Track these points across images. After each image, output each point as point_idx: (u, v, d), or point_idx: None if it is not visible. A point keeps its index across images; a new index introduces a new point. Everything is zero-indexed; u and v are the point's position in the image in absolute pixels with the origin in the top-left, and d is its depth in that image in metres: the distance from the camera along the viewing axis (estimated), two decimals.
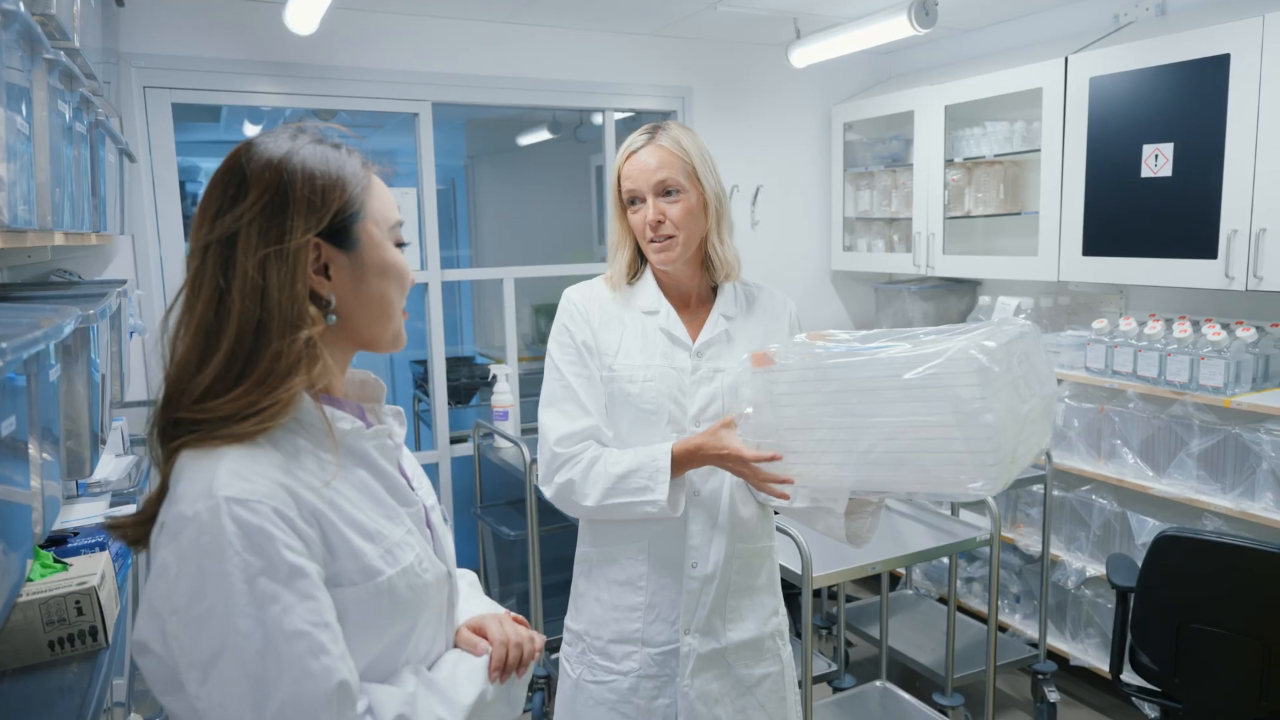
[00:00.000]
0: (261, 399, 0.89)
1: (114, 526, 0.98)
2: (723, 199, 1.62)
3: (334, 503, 0.92)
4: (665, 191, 1.57)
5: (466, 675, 1.02)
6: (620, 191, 1.61)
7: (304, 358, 0.91)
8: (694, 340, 1.63)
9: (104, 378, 1.85)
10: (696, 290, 1.67)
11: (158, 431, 0.93)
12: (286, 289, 0.91)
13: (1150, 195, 2.85)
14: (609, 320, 1.65)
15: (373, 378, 1.12)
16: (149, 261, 3.12)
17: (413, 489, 1.06)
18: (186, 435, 0.90)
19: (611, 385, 1.61)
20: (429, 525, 1.07)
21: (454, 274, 3.67)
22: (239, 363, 0.90)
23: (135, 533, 0.96)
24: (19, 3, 1.05)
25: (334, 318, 0.97)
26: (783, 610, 1.74)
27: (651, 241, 1.59)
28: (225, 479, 0.85)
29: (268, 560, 0.84)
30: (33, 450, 1.14)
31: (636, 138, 1.60)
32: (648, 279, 1.66)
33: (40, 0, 1.54)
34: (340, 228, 0.95)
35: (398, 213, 1.04)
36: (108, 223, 2.35)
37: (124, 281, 2.34)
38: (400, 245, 1.03)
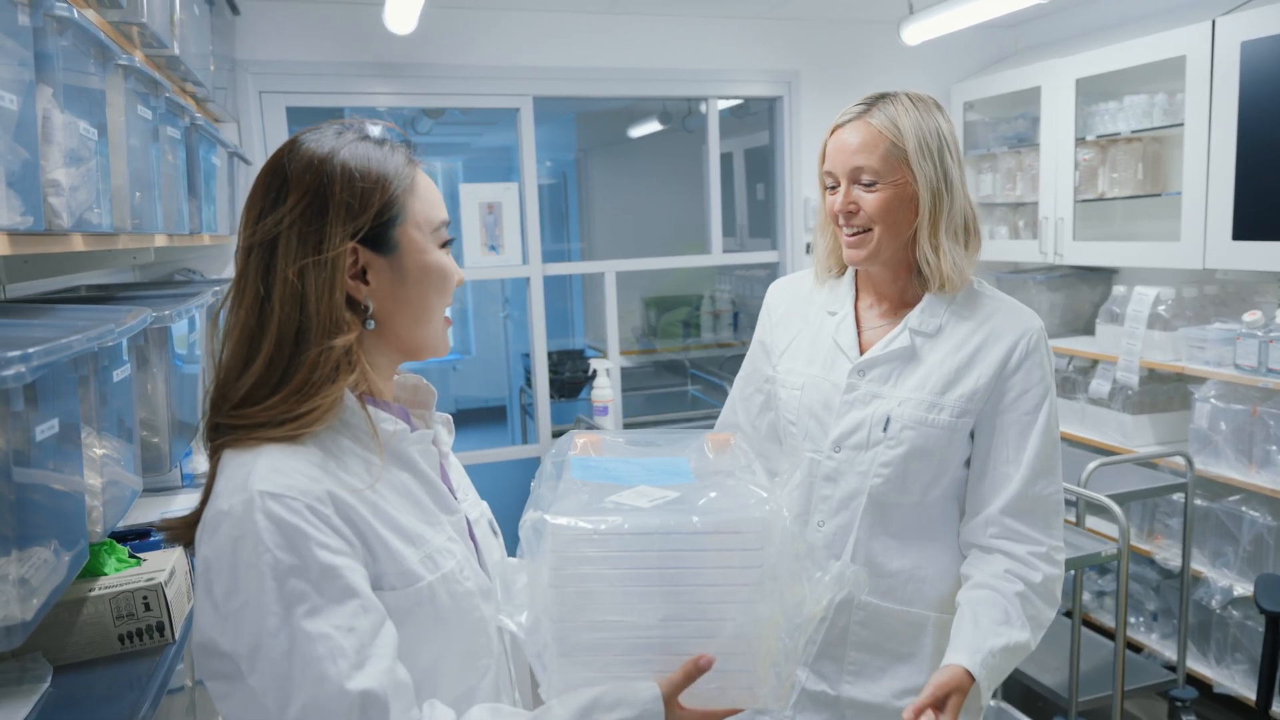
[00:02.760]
0: (297, 406, 0.88)
1: (167, 528, 0.99)
2: (944, 195, 1.32)
3: (374, 504, 0.90)
4: (862, 179, 1.33)
5: (546, 715, 0.90)
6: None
7: (341, 365, 0.90)
8: (863, 353, 1.42)
9: (205, 371, 1.91)
10: (899, 294, 1.42)
11: (206, 433, 0.93)
12: (325, 296, 0.89)
13: None
14: (792, 316, 1.53)
15: (424, 383, 1.09)
16: None
17: (456, 498, 1.03)
18: (228, 435, 0.90)
19: (772, 386, 1.52)
20: (472, 537, 1.03)
21: (555, 268, 3.67)
22: (278, 370, 0.89)
23: (185, 534, 0.96)
24: (73, 9, 1.07)
25: (373, 323, 0.94)
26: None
27: (843, 230, 1.38)
28: (262, 473, 0.84)
29: (300, 558, 0.82)
30: (95, 447, 1.16)
31: (849, 109, 1.37)
32: (849, 275, 1.48)
33: (129, 8, 1.59)
34: (379, 232, 0.93)
35: (443, 211, 1.00)
36: (219, 224, 2.45)
37: (228, 280, 2.42)
38: (446, 244, 1.00)
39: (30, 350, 0.84)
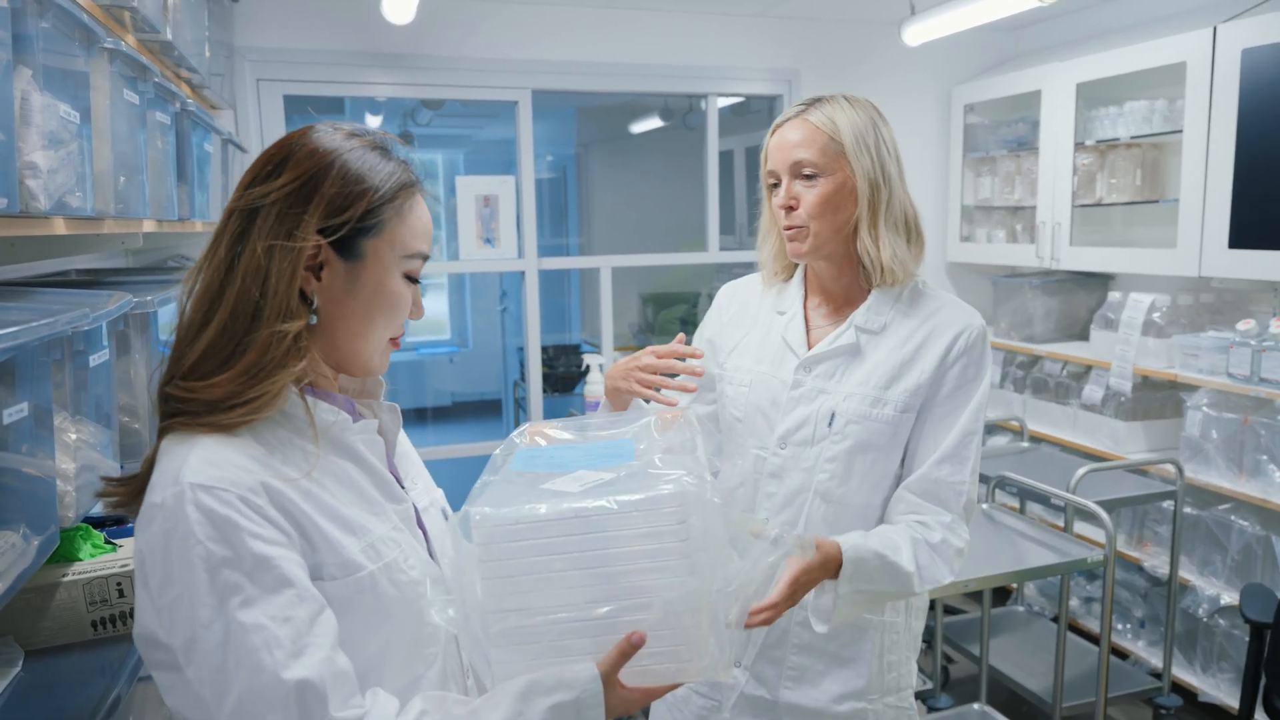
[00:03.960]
0: (246, 390, 0.87)
1: (106, 494, 0.98)
2: (882, 187, 1.36)
3: (312, 494, 0.89)
4: (803, 174, 1.37)
5: (488, 702, 0.90)
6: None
7: (292, 352, 0.89)
8: (810, 349, 1.44)
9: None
10: (844, 291, 1.45)
11: (158, 399, 0.92)
12: (284, 280, 0.89)
13: None
14: (741, 317, 1.55)
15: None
16: None
17: (403, 487, 1.02)
18: (175, 417, 0.89)
19: (720, 384, 1.53)
20: (421, 527, 1.03)
21: (550, 262, 3.66)
22: (230, 343, 0.89)
23: (124, 498, 0.95)
24: None
25: (315, 319, 0.94)
26: (883, 701, 1.43)
27: (785, 229, 1.41)
28: (195, 465, 0.84)
29: (232, 550, 0.82)
30: (70, 432, 1.16)
31: (788, 110, 1.42)
32: (798, 276, 1.52)
33: None
34: (350, 237, 0.93)
35: (424, 245, 0.99)
36: (210, 210, 2.44)
37: None
38: (412, 280, 0.99)
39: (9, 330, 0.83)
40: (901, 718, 1.45)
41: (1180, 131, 2.94)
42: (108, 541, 1.35)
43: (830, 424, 1.38)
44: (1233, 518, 2.79)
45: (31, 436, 0.99)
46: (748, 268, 4.55)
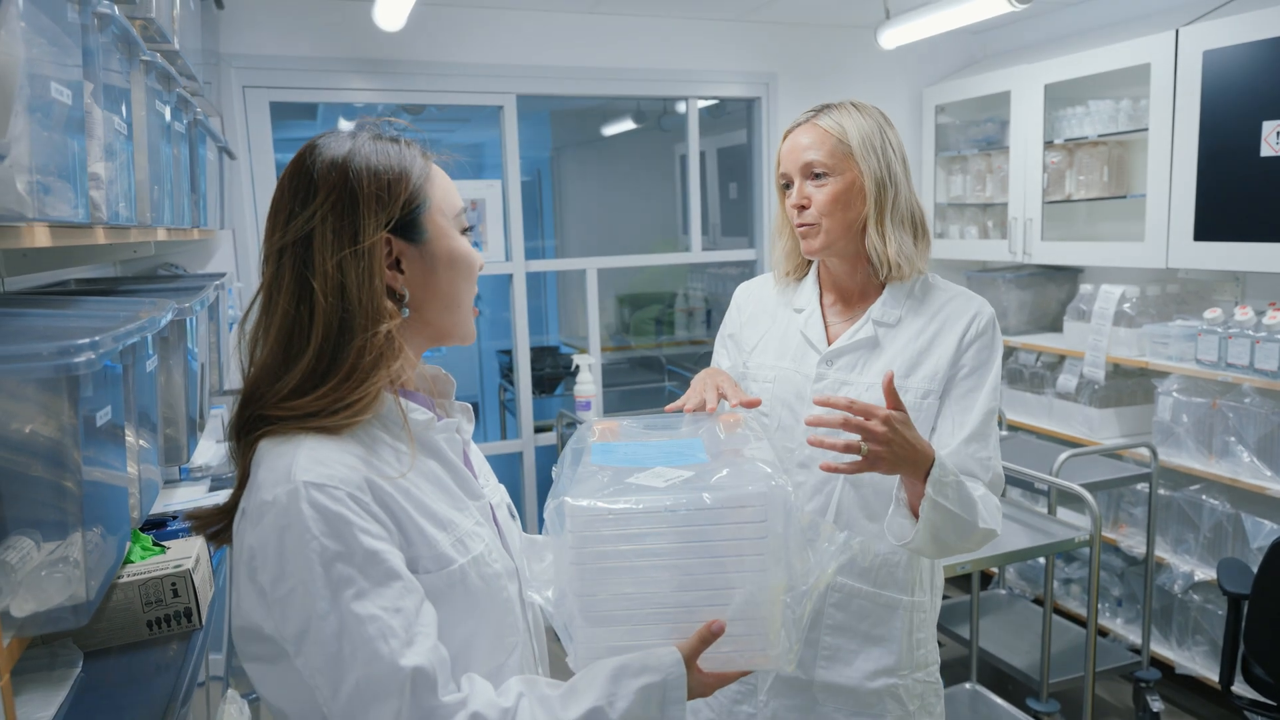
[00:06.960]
0: (347, 394, 0.91)
1: (194, 517, 1.01)
2: (888, 186, 1.44)
3: (408, 492, 0.93)
4: (814, 174, 1.45)
5: (580, 683, 0.95)
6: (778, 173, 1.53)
7: (385, 352, 0.93)
8: (830, 344, 1.51)
9: (203, 367, 1.93)
10: (858, 288, 1.52)
11: (236, 429, 0.96)
12: (365, 285, 0.92)
13: (1270, 175, 2.66)
14: (760, 315, 1.62)
15: (443, 373, 1.13)
16: (249, 254, 3.25)
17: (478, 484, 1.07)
18: (267, 427, 0.93)
19: (745, 382, 1.58)
20: (495, 521, 1.07)
21: (538, 265, 3.70)
22: (325, 360, 0.92)
23: (215, 523, 0.99)
24: (114, 7, 1.09)
25: (408, 311, 0.98)
26: (912, 676, 1.50)
27: (798, 227, 1.48)
28: (304, 464, 0.87)
29: (344, 545, 0.85)
30: (130, 437, 1.18)
31: (799, 116, 1.50)
32: (812, 274, 1.58)
33: (140, 4, 1.61)
34: (408, 221, 0.97)
35: (459, 199, 1.04)
36: (208, 218, 2.45)
37: (223, 274, 2.43)
38: (466, 231, 1.04)
39: (97, 338, 0.87)
40: (929, 692, 1.52)
41: (1145, 130, 3.07)
42: (156, 544, 1.37)
43: None
44: (1204, 497, 2.93)
45: (112, 441, 1.02)
46: (730, 267, 4.62)
